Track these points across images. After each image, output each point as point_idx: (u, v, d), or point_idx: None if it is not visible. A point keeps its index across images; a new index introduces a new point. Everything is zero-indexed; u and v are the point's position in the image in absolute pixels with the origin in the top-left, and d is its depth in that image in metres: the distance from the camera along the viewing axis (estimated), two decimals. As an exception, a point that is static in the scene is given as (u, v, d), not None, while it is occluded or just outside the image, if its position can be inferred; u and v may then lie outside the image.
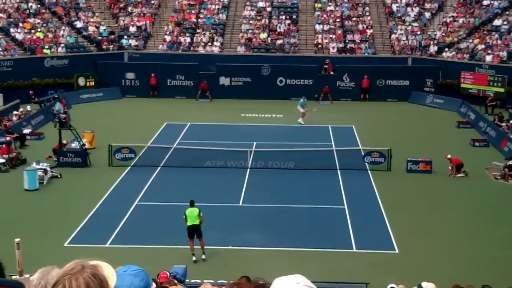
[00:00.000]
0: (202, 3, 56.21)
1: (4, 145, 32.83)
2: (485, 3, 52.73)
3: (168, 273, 17.02)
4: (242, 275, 8.88)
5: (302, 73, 49.05)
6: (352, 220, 25.66)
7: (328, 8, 55.32)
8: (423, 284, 13.90)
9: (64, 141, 33.17)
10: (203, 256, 22.00)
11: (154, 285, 9.45)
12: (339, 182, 30.46)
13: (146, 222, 25.55)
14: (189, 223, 21.92)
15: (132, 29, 53.83)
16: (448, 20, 53.13)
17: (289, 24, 53.91)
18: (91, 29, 52.95)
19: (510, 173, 30.88)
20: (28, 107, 41.87)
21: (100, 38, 52.36)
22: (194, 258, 21.68)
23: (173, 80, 49.31)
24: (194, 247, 21.93)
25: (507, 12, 50.85)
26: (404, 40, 51.99)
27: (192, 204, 22.37)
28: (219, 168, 32.10)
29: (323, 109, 45.82)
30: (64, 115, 34.80)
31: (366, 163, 32.63)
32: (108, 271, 3.25)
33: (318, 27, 53.71)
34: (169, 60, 50.17)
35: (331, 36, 52.81)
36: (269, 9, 55.43)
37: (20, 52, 48.03)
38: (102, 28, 53.44)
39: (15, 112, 40.45)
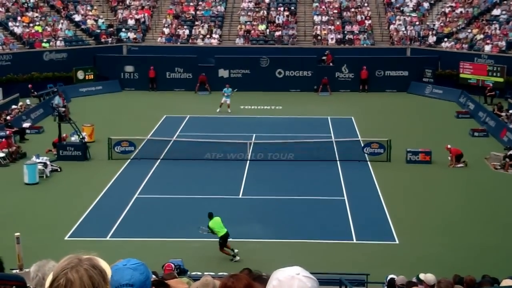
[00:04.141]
0: (200, -5, 56.16)
1: (4, 139, 32.86)
2: (483, -8, 52.68)
3: (172, 265, 17.07)
4: (242, 267, 8.93)
5: (301, 65, 49.01)
6: (352, 211, 25.71)
7: (327, -1, 55.29)
8: (421, 275, 13.93)
9: (64, 135, 33.18)
10: (237, 250, 21.84)
11: (154, 277, 9.47)
12: (338, 173, 30.49)
13: (146, 215, 25.58)
14: (222, 233, 21.67)
15: (131, 22, 53.78)
16: (447, 10, 53.06)
17: (287, 16, 53.85)
18: (89, 22, 52.88)
19: (511, 163, 30.87)
20: (28, 101, 41.85)
21: (98, 31, 52.30)
22: (238, 258, 21.53)
23: (172, 73, 49.31)
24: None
25: (505, 2, 50.76)
26: (403, 31, 51.93)
27: (211, 216, 22.05)
28: (218, 160, 32.13)
29: (322, 100, 45.84)
30: (63, 109, 34.79)
31: (366, 154, 32.65)
32: (103, 264, 3.27)
33: (316, 18, 53.66)
34: (167, 52, 50.14)
35: (329, 27, 52.75)
36: (267, 0, 55.31)
37: (18, 46, 47.98)
38: (100, 21, 53.37)
39: (14, 106, 40.43)
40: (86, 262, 3.17)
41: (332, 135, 36.60)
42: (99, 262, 3.25)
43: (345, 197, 27.33)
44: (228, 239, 21.84)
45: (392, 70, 48.81)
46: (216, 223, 21.83)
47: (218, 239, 21.80)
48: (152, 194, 28.00)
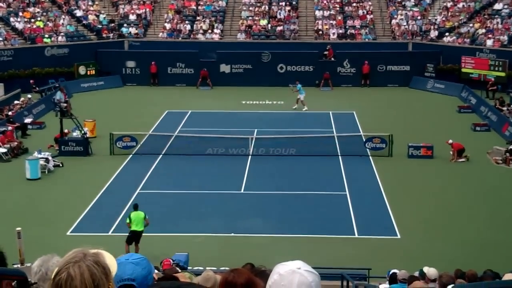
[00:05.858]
0: (202, -10, 56.10)
1: (5, 134, 32.86)
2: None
3: (171, 261, 17.08)
4: (244, 262, 8.93)
5: (303, 60, 48.99)
6: (353, 206, 25.71)
7: (328, -6, 55.19)
8: (425, 269, 13.93)
9: (66, 130, 33.17)
10: None
11: (156, 272, 9.49)
12: (340, 168, 30.48)
13: (148, 210, 25.53)
14: (132, 228, 21.15)
15: (132, 17, 53.74)
16: (449, 4, 52.97)
17: (289, 11, 53.79)
18: (91, 17, 52.86)
19: (511, 157, 30.86)
20: (29, 96, 41.84)
21: (100, 26, 52.28)
22: None
23: (174, 68, 49.26)
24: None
25: (507, -4, 50.69)
26: (404, 25, 51.85)
27: (136, 208, 21.57)
28: (220, 156, 32.12)
29: (324, 95, 45.81)
30: (65, 104, 34.80)
31: (368, 149, 32.63)
32: (109, 259, 3.27)
33: (318, 13, 53.58)
34: (169, 48, 50.09)
35: (331, 22, 52.69)
36: (269, -5, 55.30)
37: (20, 41, 47.97)
38: (102, 16, 53.34)
39: (16, 102, 40.44)
40: (90, 258, 3.16)
41: (334, 130, 36.56)
42: (105, 257, 3.24)
43: (347, 192, 27.32)
44: (133, 241, 21.04)
45: (394, 64, 48.75)
46: (137, 216, 21.20)
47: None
48: (154, 189, 28.01)
